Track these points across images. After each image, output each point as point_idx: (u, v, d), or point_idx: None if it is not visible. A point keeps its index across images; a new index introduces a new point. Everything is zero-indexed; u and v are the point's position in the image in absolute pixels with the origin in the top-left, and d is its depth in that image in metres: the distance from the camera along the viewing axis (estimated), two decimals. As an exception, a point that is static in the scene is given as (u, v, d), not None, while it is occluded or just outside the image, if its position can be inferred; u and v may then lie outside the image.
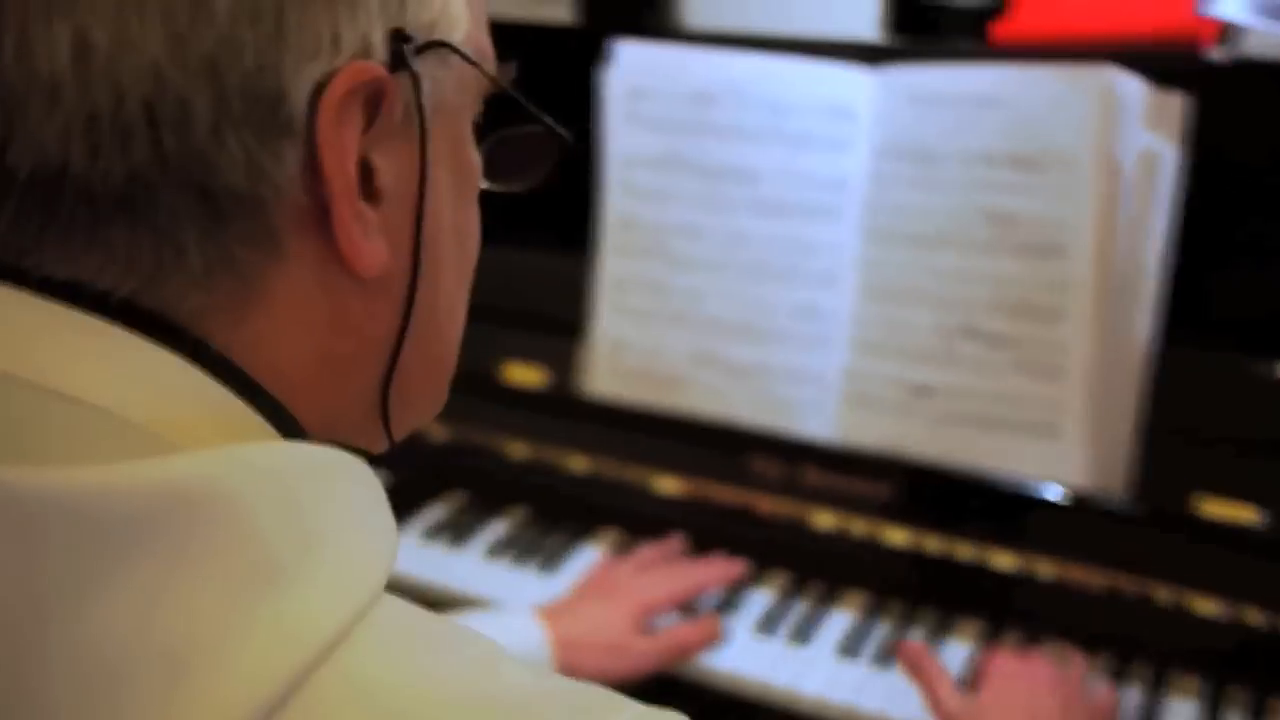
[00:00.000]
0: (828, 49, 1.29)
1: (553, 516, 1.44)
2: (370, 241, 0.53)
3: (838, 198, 1.28)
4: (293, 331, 0.53)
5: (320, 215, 0.51)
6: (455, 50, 0.56)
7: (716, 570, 1.32)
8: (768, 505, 1.31)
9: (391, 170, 0.54)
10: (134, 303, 0.50)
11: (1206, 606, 1.14)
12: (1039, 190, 1.17)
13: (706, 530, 1.35)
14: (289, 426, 0.54)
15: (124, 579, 0.44)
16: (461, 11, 0.56)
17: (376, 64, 0.51)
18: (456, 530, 1.43)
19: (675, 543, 1.35)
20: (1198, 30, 1.14)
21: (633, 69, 1.35)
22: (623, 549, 1.38)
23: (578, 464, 1.40)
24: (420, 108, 0.54)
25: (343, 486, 0.52)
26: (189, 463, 0.47)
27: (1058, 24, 1.19)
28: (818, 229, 1.29)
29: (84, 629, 0.44)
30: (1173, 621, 1.15)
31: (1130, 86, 1.13)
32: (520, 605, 1.25)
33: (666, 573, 1.31)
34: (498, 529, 1.43)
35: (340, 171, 0.51)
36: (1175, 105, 1.13)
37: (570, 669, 1.18)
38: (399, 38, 0.52)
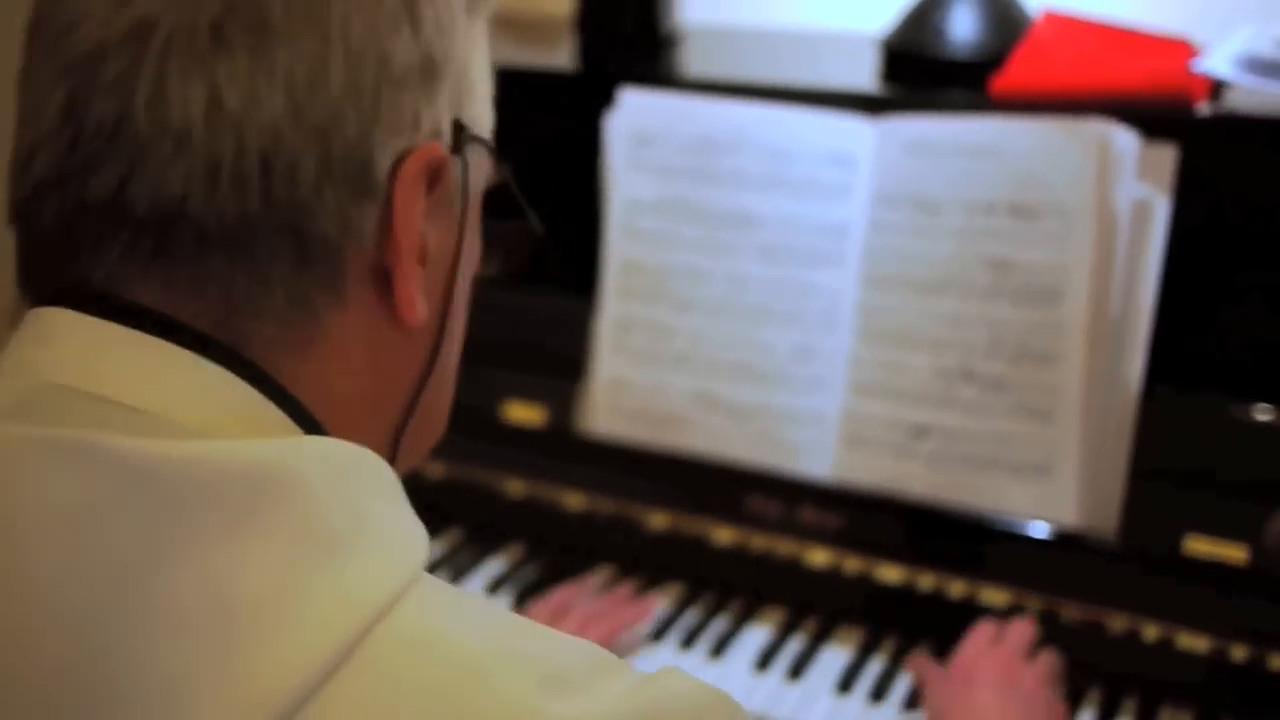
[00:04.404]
0: (829, 99, 1.32)
1: (549, 554, 1.45)
2: (419, 297, 0.61)
3: (838, 244, 1.31)
4: (343, 371, 0.60)
5: (380, 270, 0.60)
6: (485, 144, 0.66)
7: (637, 610, 1.33)
8: (763, 543, 1.33)
9: (435, 239, 0.63)
10: (209, 335, 0.56)
11: (1194, 642, 1.17)
12: (1036, 238, 1.21)
13: (702, 567, 1.37)
14: None
15: (201, 542, 0.50)
16: (489, 113, 0.67)
17: (443, 146, 0.61)
18: (453, 567, 1.44)
19: (589, 583, 1.38)
20: (1189, 86, 1.18)
21: (637, 115, 1.38)
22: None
23: (574, 501, 1.41)
24: (466, 187, 0.64)
25: (381, 478, 0.58)
26: (259, 445, 0.53)
27: (1054, 78, 1.23)
28: (817, 274, 1.32)
29: (161, 585, 0.49)
30: (1161, 657, 1.18)
31: (1124, 139, 1.17)
32: None
33: (606, 614, 1.31)
34: (494, 567, 1.45)
35: (408, 233, 0.59)
36: (1167, 157, 1.17)
37: None
38: (459, 126, 0.62)
